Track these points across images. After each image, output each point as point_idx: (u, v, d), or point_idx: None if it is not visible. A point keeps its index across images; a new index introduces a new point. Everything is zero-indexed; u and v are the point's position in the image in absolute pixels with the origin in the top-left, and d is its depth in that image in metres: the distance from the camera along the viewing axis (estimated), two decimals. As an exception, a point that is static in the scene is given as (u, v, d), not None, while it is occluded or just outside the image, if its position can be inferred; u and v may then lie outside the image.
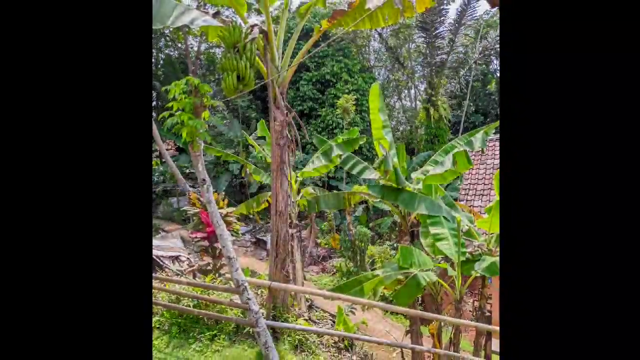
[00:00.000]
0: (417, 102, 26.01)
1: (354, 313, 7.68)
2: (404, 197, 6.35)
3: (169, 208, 18.41)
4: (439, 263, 6.30)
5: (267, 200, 9.29)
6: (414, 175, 7.69)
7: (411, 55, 24.04)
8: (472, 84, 23.10)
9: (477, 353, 6.19)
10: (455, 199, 12.57)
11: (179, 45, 22.78)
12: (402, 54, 23.81)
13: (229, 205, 9.08)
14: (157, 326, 5.57)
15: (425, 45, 21.60)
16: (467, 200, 12.86)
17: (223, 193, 10.57)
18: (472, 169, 13.48)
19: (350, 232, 14.42)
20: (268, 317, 5.48)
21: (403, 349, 6.74)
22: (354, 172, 7.60)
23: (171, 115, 3.91)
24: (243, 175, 16.02)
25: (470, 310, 7.36)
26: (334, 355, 5.68)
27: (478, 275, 5.70)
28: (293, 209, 7.14)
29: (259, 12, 19.94)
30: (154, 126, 3.59)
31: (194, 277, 8.45)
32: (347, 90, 20.16)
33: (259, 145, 10.66)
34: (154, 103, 21.25)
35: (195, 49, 23.13)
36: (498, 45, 20.74)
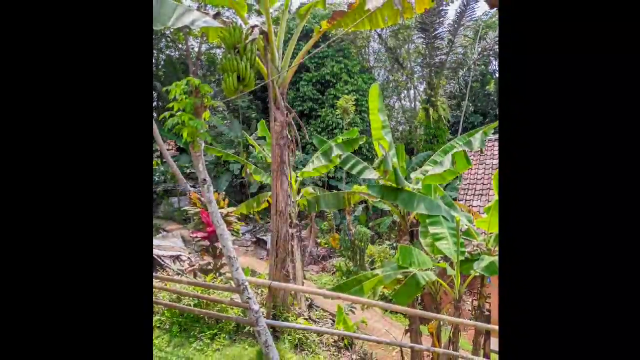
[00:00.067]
0: (417, 102, 26.03)
1: (353, 312, 7.71)
2: (403, 197, 6.36)
3: (170, 208, 18.43)
4: (438, 262, 6.32)
5: (267, 200, 9.30)
6: (413, 175, 7.70)
7: (410, 56, 24.06)
8: (471, 84, 23.11)
9: (476, 352, 6.20)
10: (454, 199, 12.60)
11: (180, 46, 22.78)
12: (402, 54, 23.84)
13: (229, 205, 9.10)
14: (158, 325, 5.60)
15: (424, 46, 21.62)
16: (466, 200, 12.89)
17: (223, 193, 10.58)
18: (471, 169, 13.51)
19: (350, 231, 14.44)
20: (268, 316, 5.50)
21: (402, 348, 6.76)
22: (354, 172, 7.61)
23: (172, 115, 3.93)
24: (243, 175, 16.02)
25: (469, 310, 7.37)
26: (333, 354, 5.70)
27: (477, 274, 5.72)
28: (293, 208, 7.15)
29: (259, 13, 19.97)
30: (155, 126, 3.62)
31: (195, 276, 8.47)
32: (346, 91, 20.18)
33: (259, 145, 10.67)
34: (154, 103, 21.26)
35: (196, 49, 23.14)
36: (497, 46, 20.75)
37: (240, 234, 13.07)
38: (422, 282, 5.44)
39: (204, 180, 4.29)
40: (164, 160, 19.78)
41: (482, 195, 12.74)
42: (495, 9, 2.35)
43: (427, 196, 6.36)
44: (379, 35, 23.39)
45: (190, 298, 5.82)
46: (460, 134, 17.55)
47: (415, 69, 24.96)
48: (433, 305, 6.63)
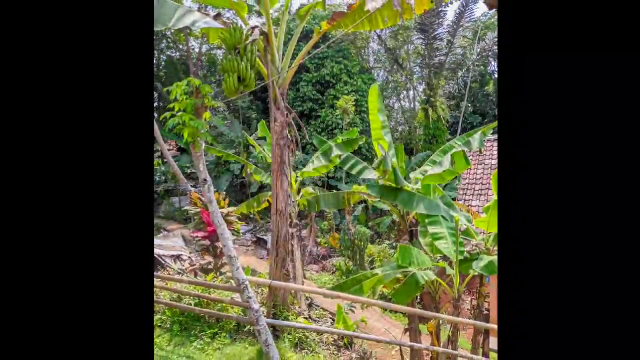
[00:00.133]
0: (416, 102, 26.06)
1: (353, 311, 7.74)
2: (402, 197, 6.38)
3: (171, 207, 18.46)
4: (438, 262, 6.34)
5: (268, 200, 9.33)
6: (412, 175, 7.72)
7: (410, 57, 24.09)
8: (470, 84, 23.13)
9: (475, 351, 6.23)
10: (454, 199, 12.61)
11: (181, 46, 22.82)
12: (401, 55, 23.87)
13: (229, 204, 9.13)
14: (159, 324, 5.62)
15: (423, 47, 21.67)
16: (465, 200, 12.91)
17: (224, 193, 10.60)
18: (470, 169, 13.54)
19: (349, 231, 14.47)
20: (268, 315, 5.52)
21: (402, 347, 6.78)
22: (353, 172, 7.64)
23: (173, 115, 3.94)
24: (244, 175, 16.06)
25: (468, 309, 7.40)
26: (333, 353, 5.72)
27: (476, 273, 5.74)
28: (293, 208, 7.18)
29: (259, 14, 19.97)
30: (156, 126, 3.64)
31: (195, 275, 8.51)
32: (346, 91, 20.21)
33: (259, 145, 10.69)
34: (155, 104, 21.28)
35: (197, 50, 23.20)
36: (496, 47, 20.82)
37: (241, 234, 13.12)
38: (421, 281, 5.46)
39: (205, 180, 4.31)
40: (165, 160, 19.79)
41: (481, 195, 12.77)
42: (494, 10, 2.36)
43: (426, 196, 6.38)
44: (379, 36, 23.42)
45: (191, 297, 5.85)
46: (459, 134, 17.57)
47: (415, 70, 25.01)
48: (432, 305, 6.66)
